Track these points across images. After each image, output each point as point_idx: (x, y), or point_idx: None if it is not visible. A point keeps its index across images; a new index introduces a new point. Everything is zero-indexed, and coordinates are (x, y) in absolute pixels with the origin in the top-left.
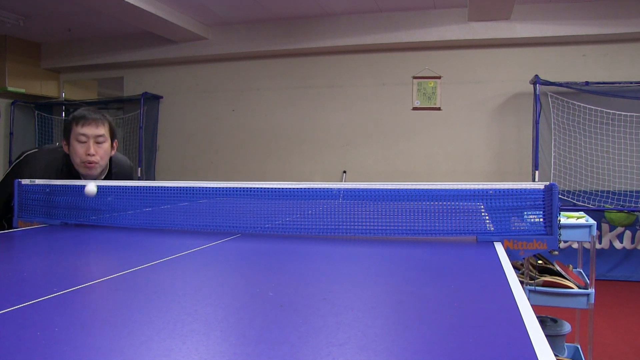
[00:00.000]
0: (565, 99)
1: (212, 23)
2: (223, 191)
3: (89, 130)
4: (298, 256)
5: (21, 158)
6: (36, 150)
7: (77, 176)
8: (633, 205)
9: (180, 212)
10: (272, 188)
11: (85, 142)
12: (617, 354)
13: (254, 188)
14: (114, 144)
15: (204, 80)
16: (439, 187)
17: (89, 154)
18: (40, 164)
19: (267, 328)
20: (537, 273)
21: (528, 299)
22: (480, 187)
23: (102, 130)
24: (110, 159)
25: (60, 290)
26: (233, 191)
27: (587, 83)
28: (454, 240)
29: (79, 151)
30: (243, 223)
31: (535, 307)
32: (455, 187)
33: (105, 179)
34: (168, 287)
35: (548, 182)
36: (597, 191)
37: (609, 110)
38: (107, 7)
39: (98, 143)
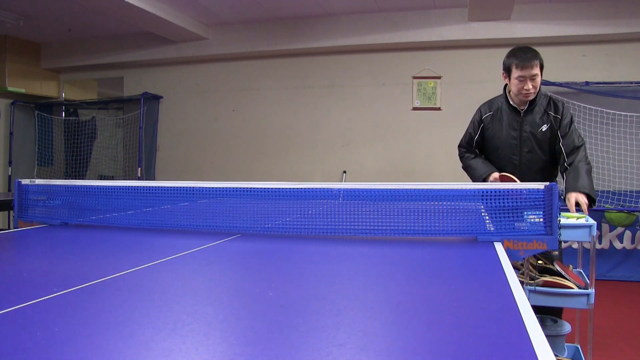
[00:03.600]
0: (565, 99)
1: (212, 23)
2: (223, 191)
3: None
4: (298, 256)
5: None
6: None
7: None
8: (633, 205)
9: (181, 212)
10: (272, 188)
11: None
12: (617, 354)
13: (254, 188)
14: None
15: (204, 80)
16: (439, 187)
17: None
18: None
19: (267, 328)
20: (537, 273)
21: (528, 299)
22: (480, 187)
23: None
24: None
25: (60, 290)
26: (233, 191)
27: (587, 83)
28: (454, 240)
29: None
30: (243, 223)
31: (535, 307)
32: (455, 187)
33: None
34: (168, 287)
35: (548, 182)
36: (597, 191)
37: (609, 110)
38: (107, 7)
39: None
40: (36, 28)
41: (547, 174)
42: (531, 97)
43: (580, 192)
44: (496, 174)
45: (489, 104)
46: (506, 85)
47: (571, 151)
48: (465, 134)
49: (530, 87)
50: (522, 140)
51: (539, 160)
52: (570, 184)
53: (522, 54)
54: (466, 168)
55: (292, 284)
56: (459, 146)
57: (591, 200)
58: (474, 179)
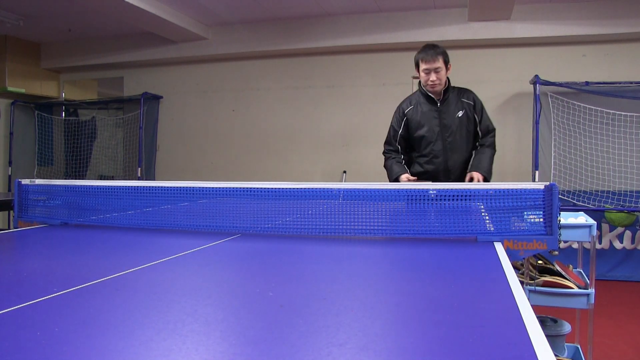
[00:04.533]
0: (565, 99)
1: (212, 23)
2: (223, 191)
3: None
4: (298, 256)
5: None
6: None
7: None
8: (633, 205)
9: (181, 212)
10: (272, 188)
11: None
12: (617, 354)
13: (254, 188)
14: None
15: (204, 80)
16: (439, 187)
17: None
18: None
19: (267, 328)
20: (537, 273)
21: (528, 299)
22: (480, 187)
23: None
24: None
25: (60, 290)
26: (233, 191)
27: (587, 83)
28: (454, 240)
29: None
30: (243, 223)
31: (535, 307)
32: (455, 187)
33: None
34: (168, 287)
35: (548, 182)
36: (597, 191)
37: (609, 110)
38: (107, 7)
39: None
40: (36, 28)
41: (469, 154)
42: (437, 88)
43: (479, 172)
44: (404, 177)
45: (409, 99)
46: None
47: (485, 134)
48: (389, 131)
49: (435, 78)
50: (442, 127)
51: (460, 142)
52: (474, 164)
53: (428, 50)
54: (385, 167)
55: (292, 284)
56: (385, 144)
57: (486, 180)
58: (389, 179)
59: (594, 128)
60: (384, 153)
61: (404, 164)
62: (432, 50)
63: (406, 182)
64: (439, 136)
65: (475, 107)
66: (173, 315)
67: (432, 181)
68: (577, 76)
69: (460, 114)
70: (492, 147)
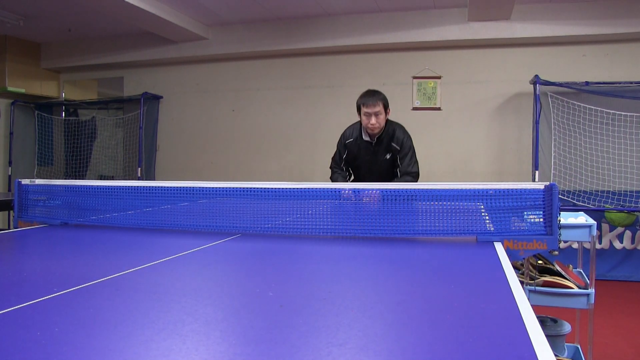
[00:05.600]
0: (565, 99)
1: (212, 23)
2: (223, 191)
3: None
4: (298, 256)
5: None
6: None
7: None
8: (633, 205)
9: (181, 212)
10: (272, 188)
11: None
12: (617, 354)
13: (254, 188)
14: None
15: (204, 80)
16: (439, 187)
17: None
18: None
19: (267, 328)
20: (537, 273)
21: (528, 299)
22: (480, 187)
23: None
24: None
25: (60, 290)
26: (233, 191)
27: (587, 83)
28: (454, 240)
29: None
30: (243, 223)
31: (535, 307)
32: (455, 187)
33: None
34: (168, 287)
35: (548, 182)
36: (597, 191)
37: (609, 110)
38: (107, 7)
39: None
40: (36, 28)
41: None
42: (375, 131)
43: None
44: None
45: (351, 130)
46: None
47: (403, 173)
48: (335, 153)
49: (374, 121)
50: (372, 162)
51: (387, 177)
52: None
53: (368, 96)
54: (331, 180)
55: (292, 284)
56: (332, 159)
57: None
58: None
59: (594, 128)
60: (330, 168)
61: (348, 179)
62: (373, 97)
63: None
64: (369, 170)
65: (401, 152)
66: (173, 315)
67: None
68: (577, 76)
69: (387, 156)
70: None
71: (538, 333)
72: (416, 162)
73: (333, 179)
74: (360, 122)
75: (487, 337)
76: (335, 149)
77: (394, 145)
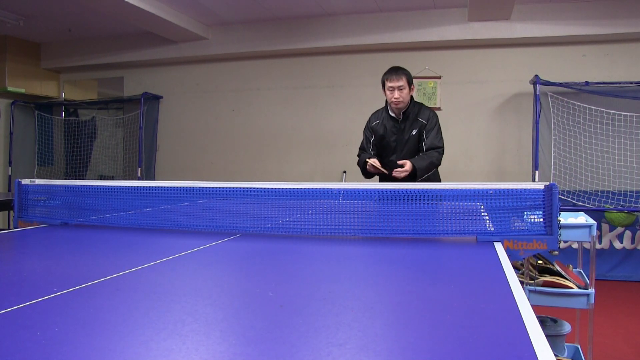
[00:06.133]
0: (565, 99)
1: (212, 23)
2: (223, 191)
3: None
4: (298, 256)
5: None
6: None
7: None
8: (633, 205)
9: (181, 212)
10: (272, 188)
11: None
12: (617, 354)
13: (254, 188)
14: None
15: (204, 80)
16: (439, 187)
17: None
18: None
19: (267, 328)
20: (537, 273)
21: (528, 299)
22: (480, 187)
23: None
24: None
25: (60, 290)
26: (233, 191)
27: (587, 83)
28: (454, 240)
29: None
30: (243, 223)
31: (535, 307)
32: (455, 187)
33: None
34: (168, 287)
35: (548, 182)
36: (597, 191)
37: (609, 110)
38: (107, 7)
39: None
40: (36, 28)
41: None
42: (400, 106)
43: (412, 164)
44: (372, 160)
45: (376, 114)
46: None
47: (429, 148)
48: (362, 140)
49: (398, 95)
50: (399, 142)
51: (414, 155)
52: (412, 159)
53: (392, 70)
54: (358, 163)
55: (292, 284)
56: (359, 149)
57: (413, 175)
58: (360, 167)
59: (594, 128)
60: (357, 156)
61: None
62: (397, 71)
63: (373, 163)
64: (396, 150)
65: (427, 126)
66: (173, 315)
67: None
68: (577, 76)
69: (414, 132)
70: (434, 158)
71: (538, 333)
72: (442, 138)
73: (360, 159)
74: (384, 106)
75: (487, 337)
76: (360, 142)
77: (421, 120)
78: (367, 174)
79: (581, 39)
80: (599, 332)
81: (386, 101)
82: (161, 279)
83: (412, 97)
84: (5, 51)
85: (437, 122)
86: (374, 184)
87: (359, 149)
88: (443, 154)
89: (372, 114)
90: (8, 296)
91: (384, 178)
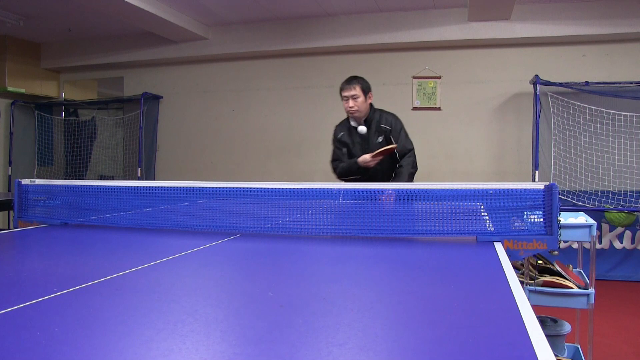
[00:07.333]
0: (565, 99)
1: (212, 23)
2: (223, 191)
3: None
4: (298, 256)
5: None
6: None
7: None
8: (633, 205)
9: (180, 212)
10: (272, 188)
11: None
12: (617, 354)
13: (254, 188)
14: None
15: (204, 80)
16: (439, 187)
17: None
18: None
19: (267, 328)
20: (537, 273)
21: (528, 299)
22: (480, 187)
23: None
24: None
25: (60, 290)
26: (233, 191)
27: (587, 83)
28: (454, 240)
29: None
30: (243, 223)
31: (535, 307)
32: (455, 187)
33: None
34: (168, 287)
35: (548, 182)
36: (597, 191)
37: (609, 110)
38: (107, 7)
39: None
40: (36, 28)
41: (390, 173)
42: (357, 114)
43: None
44: (366, 156)
45: (340, 126)
46: None
47: (403, 154)
48: (333, 152)
49: (352, 104)
50: (364, 151)
51: (383, 162)
52: (394, 181)
53: (346, 80)
54: (340, 172)
55: (292, 284)
56: (331, 162)
57: None
58: (351, 172)
59: (594, 128)
60: (333, 168)
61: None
62: (350, 81)
63: (368, 159)
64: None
65: (393, 132)
66: (173, 315)
67: None
68: (577, 76)
69: (380, 139)
70: (410, 165)
71: (538, 333)
72: (410, 140)
73: (339, 170)
74: (347, 117)
75: (487, 337)
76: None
77: (384, 126)
78: (352, 174)
79: (581, 39)
80: (599, 332)
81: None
82: (161, 279)
83: (371, 104)
84: (5, 51)
85: (401, 125)
86: (374, 184)
87: (331, 162)
88: (415, 154)
89: (337, 126)
90: (8, 296)
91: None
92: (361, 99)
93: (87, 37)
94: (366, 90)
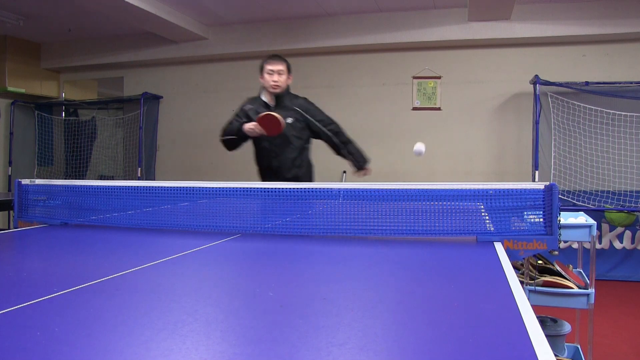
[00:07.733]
0: (565, 99)
1: (212, 23)
2: (223, 191)
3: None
4: (298, 256)
5: None
6: None
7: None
8: (633, 205)
9: (181, 212)
10: (272, 188)
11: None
12: (617, 354)
13: (254, 188)
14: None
15: (204, 80)
16: (439, 187)
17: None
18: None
19: (267, 328)
20: (537, 273)
21: (528, 299)
22: (480, 187)
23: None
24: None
25: (60, 290)
26: (233, 191)
27: (587, 83)
28: (454, 240)
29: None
30: (243, 223)
31: (535, 307)
32: (455, 187)
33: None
34: (168, 287)
35: (548, 182)
36: (597, 191)
37: (609, 110)
38: (107, 8)
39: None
40: (36, 28)
41: (297, 155)
42: (278, 90)
43: (363, 165)
44: (250, 124)
45: (251, 100)
46: (261, 87)
47: (336, 133)
48: (229, 122)
49: (277, 78)
50: None
51: (288, 144)
52: (360, 160)
53: (273, 56)
54: (224, 136)
55: (292, 284)
56: (223, 132)
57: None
58: (232, 131)
59: (594, 128)
60: (220, 138)
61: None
62: (279, 57)
63: (252, 127)
64: (266, 138)
65: (308, 111)
66: (173, 315)
67: (267, 177)
68: (577, 76)
69: (289, 120)
70: (350, 140)
71: (538, 333)
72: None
73: (224, 134)
74: (259, 94)
75: (487, 337)
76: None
77: (296, 108)
78: (236, 142)
79: (581, 39)
80: (599, 332)
81: (260, 88)
82: (161, 279)
83: (288, 87)
84: (5, 51)
85: (314, 104)
86: (374, 184)
87: (223, 132)
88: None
89: (248, 99)
90: (8, 296)
91: (268, 176)
92: (285, 76)
93: (87, 37)
94: (290, 70)
